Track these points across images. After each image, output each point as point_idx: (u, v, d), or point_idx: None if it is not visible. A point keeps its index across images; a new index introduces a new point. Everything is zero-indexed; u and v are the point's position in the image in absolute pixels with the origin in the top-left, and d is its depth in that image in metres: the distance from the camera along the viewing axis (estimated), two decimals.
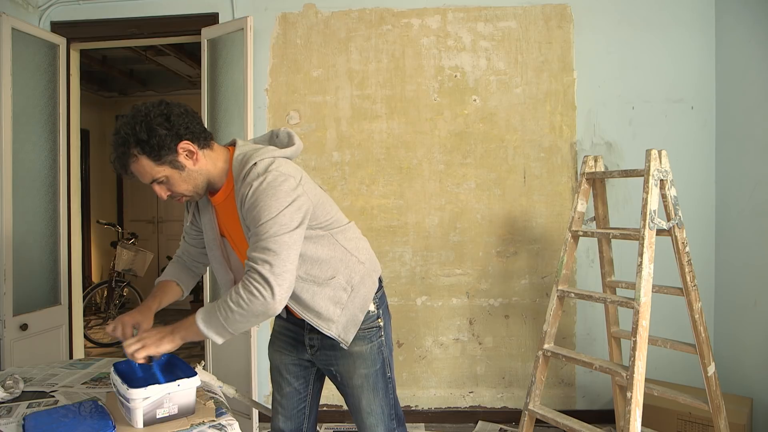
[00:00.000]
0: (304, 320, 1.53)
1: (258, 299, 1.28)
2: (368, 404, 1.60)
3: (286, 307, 1.54)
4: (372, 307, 1.59)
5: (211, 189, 1.48)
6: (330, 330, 1.51)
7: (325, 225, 1.49)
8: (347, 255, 1.52)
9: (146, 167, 1.35)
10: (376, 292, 1.61)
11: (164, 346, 1.37)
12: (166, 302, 1.64)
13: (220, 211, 1.52)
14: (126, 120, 1.34)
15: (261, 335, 2.97)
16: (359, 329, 1.55)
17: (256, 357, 2.75)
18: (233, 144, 1.51)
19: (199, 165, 1.40)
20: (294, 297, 1.47)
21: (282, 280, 1.28)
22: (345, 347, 1.54)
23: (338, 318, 1.51)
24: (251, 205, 1.32)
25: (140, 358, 1.36)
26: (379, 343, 1.59)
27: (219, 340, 1.35)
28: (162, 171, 1.36)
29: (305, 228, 1.38)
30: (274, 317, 1.50)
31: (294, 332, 1.64)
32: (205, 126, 1.48)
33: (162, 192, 1.41)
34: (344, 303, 1.51)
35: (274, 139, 1.55)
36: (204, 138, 1.41)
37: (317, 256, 1.47)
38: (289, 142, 1.51)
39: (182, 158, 1.37)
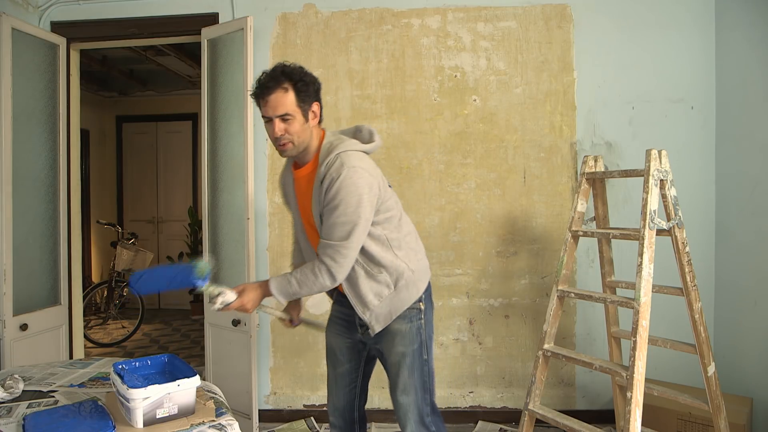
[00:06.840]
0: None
1: (320, 282, 1.63)
2: (403, 382, 1.76)
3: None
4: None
5: (299, 161, 1.75)
6: (364, 315, 1.73)
7: (383, 221, 1.70)
8: (397, 260, 1.72)
9: (288, 101, 1.63)
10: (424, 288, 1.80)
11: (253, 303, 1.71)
12: None
13: (298, 185, 1.77)
14: (293, 65, 1.67)
15: (261, 335, 2.97)
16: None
17: (256, 357, 2.75)
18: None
19: (313, 127, 1.70)
20: (346, 276, 1.69)
21: (344, 269, 1.63)
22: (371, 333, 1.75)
23: (374, 308, 1.72)
24: (332, 196, 1.58)
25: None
26: (418, 325, 1.77)
27: (284, 301, 1.72)
28: (295, 111, 1.64)
29: (372, 221, 1.65)
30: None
31: (348, 315, 1.84)
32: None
33: (280, 128, 1.64)
34: (384, 297, 1.72)
35: (357, 134, 1.78)
36: (320, 114, 1.74)
37: (372, 253, 1.69)
38: (370, 139, 1.75)
39: (310, 114, 1.68)
